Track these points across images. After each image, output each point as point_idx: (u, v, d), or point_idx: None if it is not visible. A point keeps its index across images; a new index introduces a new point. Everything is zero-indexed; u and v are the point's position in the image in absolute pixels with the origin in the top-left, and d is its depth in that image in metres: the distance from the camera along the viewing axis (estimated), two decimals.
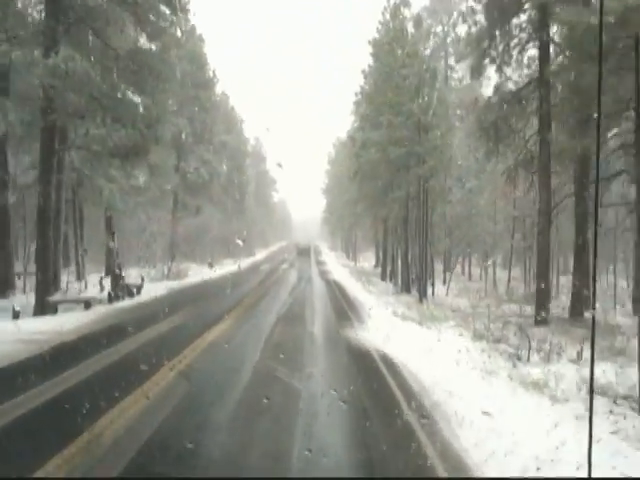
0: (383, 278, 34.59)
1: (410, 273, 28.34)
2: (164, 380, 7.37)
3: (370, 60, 32.32)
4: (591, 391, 3.99)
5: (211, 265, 45.15)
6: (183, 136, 40.69)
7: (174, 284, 26.49)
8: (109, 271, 18.20)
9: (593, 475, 3.02)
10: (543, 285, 16.93)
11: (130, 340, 10.24)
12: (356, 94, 32.95)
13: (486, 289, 30.43)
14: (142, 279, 27.03)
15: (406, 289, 28.15)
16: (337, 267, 43.69)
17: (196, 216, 42.76)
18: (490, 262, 46.34)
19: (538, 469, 4.82)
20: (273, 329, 12.38)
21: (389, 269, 35.24)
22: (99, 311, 15.28)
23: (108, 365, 8.42)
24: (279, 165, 71.52)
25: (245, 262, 47.64)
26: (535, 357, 11.99)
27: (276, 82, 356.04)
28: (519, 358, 11.87)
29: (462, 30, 28.01)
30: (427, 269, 25.75)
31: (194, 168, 40.06)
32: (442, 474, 4.74)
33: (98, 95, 14.16)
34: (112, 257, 17.95)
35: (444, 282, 33.23)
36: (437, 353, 11.16)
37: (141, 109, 15.68)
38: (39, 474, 4.33)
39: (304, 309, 16.50)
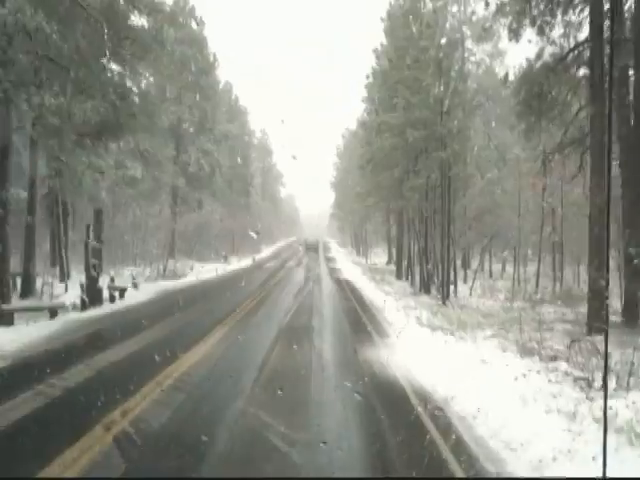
0: (398, 276, 31.80)
1: (429, 271, 25.56)
2: (81, 457, 4.63)
3: (383, 39, 29.53)
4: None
5: (226, 258, 42.58)
6: (185, 126, 38.13)
7: (168, 285, 23.90)
8: (87, 272, 15.55)
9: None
10: (600, 285, 14.06)
11: (71, 373, 7.60)
12: (367, 76, 30.14)
13: (513, 288, 27.59)
14: (133, 279, 24.50)
15: (425, 289, 25.37)
16: (347, 264, 40.92)
17: (197, 211, 40.18)
18: (512, 257, 43.53)
19: None
20: (270, 351, 9.59)
21: (404, 266, 32.47)
22: (64, 321, 12.64)
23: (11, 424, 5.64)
24: (293, 157, 68.95)
25: (249, 260, 45.02)
26: (611, 382, 9.20)
27: (284, 74, 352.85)
28: (590, 384, 9.09)
29: (480, 8, 25.20)
30: (450, 267, 22.95)
31: (194, 159, 37.43)
32: None
33: (56, 58, 11.48)
34: (87, 256, 15.27)
35: (464, 281, 30.41)
36: (488, 381, 8.41)
37: (115, 78, 13.00)
38: None
39: (311, 318, 13.75)
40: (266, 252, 59.26)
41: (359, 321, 13.47)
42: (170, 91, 38.09)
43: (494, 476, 4.56)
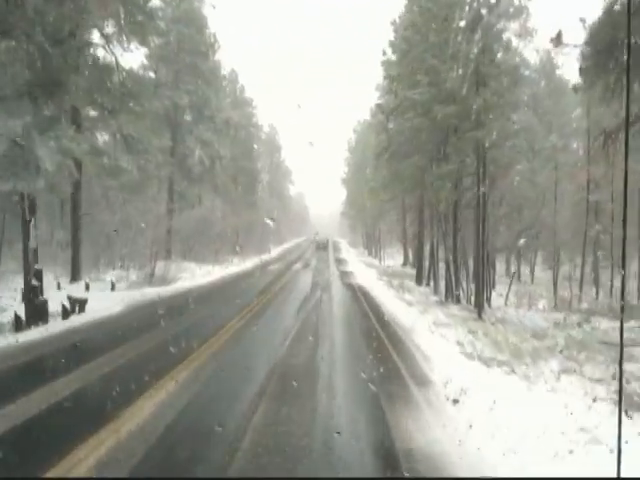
0: (418, 281, 28.01)
1: (458, 276, 21.80)
2: None
3: (401, 9, 25.81)
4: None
5: (238, 252, 39.04)
6: (183, 113, 34.55)
7: (151, 293, 20.32)
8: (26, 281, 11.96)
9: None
10: None
11: None
12: (384, 52, 26.36)
13: (555, 297, 23.76)
14: (112, 285, 21.04)
15: (454, 297, 21.63)
16: (360, 267, 37.17)
17: (197, 207, 36.64)
18: (539, 259, 39.59)
19: None
20: (248, 421, 5.91)
21: (425, 269, 28.70)
22: None
23: None
24: (310, 144, 65.03)
25: (254, 260, 41.43)
26: None
27: (296, 69, 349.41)
28: None
29: None
30: (485, 271, 19.15)
31: (190, 150, 33.86)
32: None
33: None
34: (27, 260, 11.71)
35: (493, 286, 26.63)
36: None
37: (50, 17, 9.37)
38: None
39: (317, 349, 9.98)
40: (273, 252, 55.62)
41: (384, 354, 9.73)
42: (166, 75, 34.57)
43: None
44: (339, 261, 43.44)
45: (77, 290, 20.12)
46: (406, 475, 4.60)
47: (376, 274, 31.45)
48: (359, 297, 18.86)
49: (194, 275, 29.01)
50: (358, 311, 15.69)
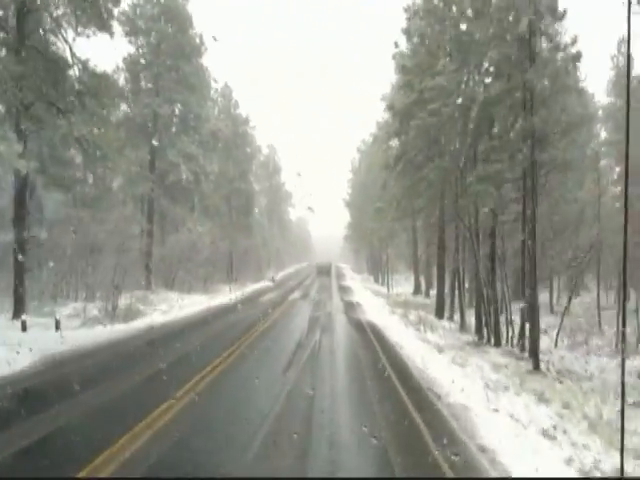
0: (439, 314, 23.35)
1: (496, 307, 17.24)
2: None
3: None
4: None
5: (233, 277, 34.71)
6: (163, 123, 30.37)
7: (104, 334, 15.85)
8: None
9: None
10: None
11: None
12: (396, 44, 22.23)
13: (618, 335, 19.11)
14: (57, 324, 16.56)
15: (489, 336, 17.05)
16: (366, 296, 32.51)
17: (183, 231, 32.26)
18: (565, 286, 34.79)
19: None
20: None
21: (444, 298, 24.10)
22: None
23: None
24: (298, 174, 62.85)
25: (247, 289, 36.84)
26: None
27: (297, 93, 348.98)
28: None
29: None
30: (536, 303, 14.51)
31: (172, 165, 29.63)
32: None
33: None
34: None
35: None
36: None
37: None
38: None
39: (309, 446, 5.50)
40: (269, 281, 50.95)
41: (425, 461, 5.16)
42: (145, 80, 30.58)
43: None
44: (343, 289, 38.78)
45: (13, 330, 15.75)
46: None
47: (386, 305, 26.85)
48: (371, 341, 14.22)
49: (172, 307, 24.52)
50: (372, 366, 11.07)
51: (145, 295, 26.77)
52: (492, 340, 16.88)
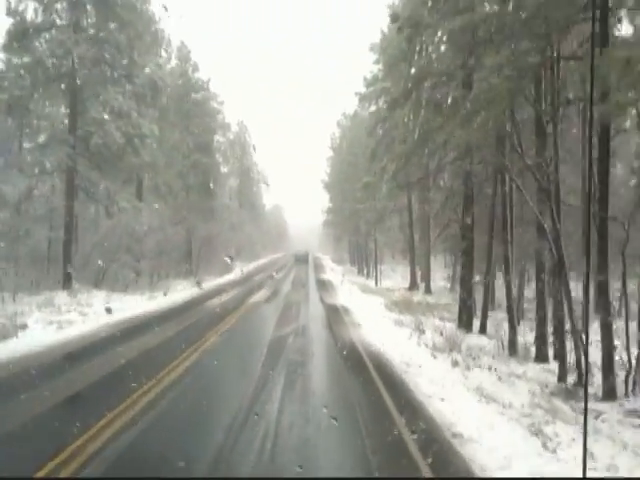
0: (464, 325, 16.20)
1: (575, 322, 10.33)
2: None
3: None
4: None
5: (199, 284, 27.76)
6: (85, 70, 22.72)
7: None
8: None
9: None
10: None
11: None
12: None
13: None
14: None
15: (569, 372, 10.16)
16: (354, 295, 25.34)
17: (112, 211, 24.73)
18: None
19: None
20: None
21: (465, 301, 17.11)
22: None
23: None
24: (253, 148, 57.02)
25: (204, 286, 29.58)
26: None
27: (268, 68, 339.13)
28: None
29: None
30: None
31: (97, 123, 22.02)
32: None
33: None
34: None
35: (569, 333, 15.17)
36: None
37: None
38: None
39: None
40: (239, 272, 43.60)
41: None
42: (61, 13, 22.88)
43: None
44: (323, 285, 31.63)
45: None
46: None
47: (384, 309, 19.88)
48: (390, 419, 6.96)
49: (85, 316, 17.26)
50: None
51: (51, 298, 19.38)
52: (575, 378, 9.93)
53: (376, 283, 35.79)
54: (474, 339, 14.39)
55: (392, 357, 10.47)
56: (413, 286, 31.99)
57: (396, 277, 41.64)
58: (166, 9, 27.11)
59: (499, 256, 18.02)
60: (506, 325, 17.85)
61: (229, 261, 48.45)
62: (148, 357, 10.29)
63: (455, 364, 10.14)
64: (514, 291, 17.41)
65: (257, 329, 14.82)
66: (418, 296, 27.79)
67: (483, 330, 15.41)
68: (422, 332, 13.77)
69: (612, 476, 5.00)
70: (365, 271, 46.90)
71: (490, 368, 10.18)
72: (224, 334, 13.04)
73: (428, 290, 29.40)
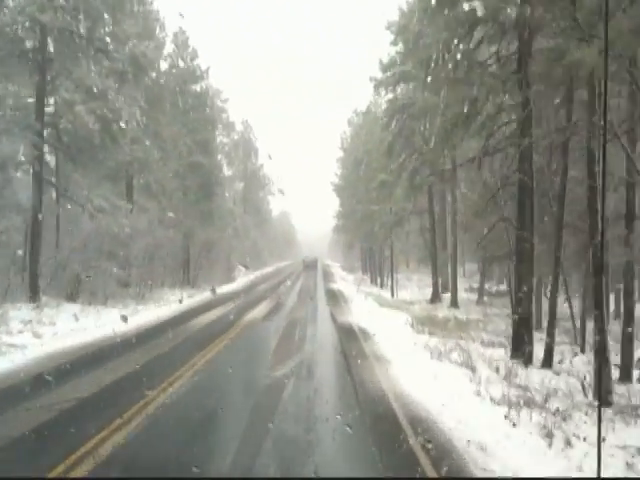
0: (523, 358, 12.30)
1: None
2: None
3: None
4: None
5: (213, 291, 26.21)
6: (57, 46, 19.25)
7: None
8: None
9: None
10: None
11: None
12: None
13: None
14: None
15: None
16: (373, 312, 21.47)
17: (88, 210, 21.15)
18: None
19: None
20: None
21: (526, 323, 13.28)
22: None
23: None
24: (269, 157, 54.91)
25: (199, 297, 25.96)
26: None
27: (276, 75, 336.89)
28: None
29: None
30: None
31: (68, 105, 18.51)
32: None
33: None
34: None
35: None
36: None
37: None
38: None
39: None
40: (240, 282, 39.95)
41: None
42: None
43: None
44: (334, 298, 27.85)
45: None
46: None
47: (410, 330, 16.10)
48: None
49: (39, 338, 13.79)
50: None
51: (5, 314, 15.81)
52: None
53: (392, 294, 31.97)
54: (538, 376, 10.59)
55: (449, 428, 6.69)
56: (435, 298, 28.14)
57: (412, 287, 37.78)
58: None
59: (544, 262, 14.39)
60: (566, 350, 14.19)
61: (244, 270, 46.51)
62: (62, 422, 6.61)
63: (548, 436, 6.38)
64: (560, 306, 13.71)
65: (250, 363, 11.08)
66: (443, 310, 23.99)
67: (548, 362, 11.59)
68: (473, 369, 10.00)
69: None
70: (379, 280, 43.11)
71: (604, 439, 6.42)
72: (207, 365, 9.32)
73: (454, 303, 25.56)
